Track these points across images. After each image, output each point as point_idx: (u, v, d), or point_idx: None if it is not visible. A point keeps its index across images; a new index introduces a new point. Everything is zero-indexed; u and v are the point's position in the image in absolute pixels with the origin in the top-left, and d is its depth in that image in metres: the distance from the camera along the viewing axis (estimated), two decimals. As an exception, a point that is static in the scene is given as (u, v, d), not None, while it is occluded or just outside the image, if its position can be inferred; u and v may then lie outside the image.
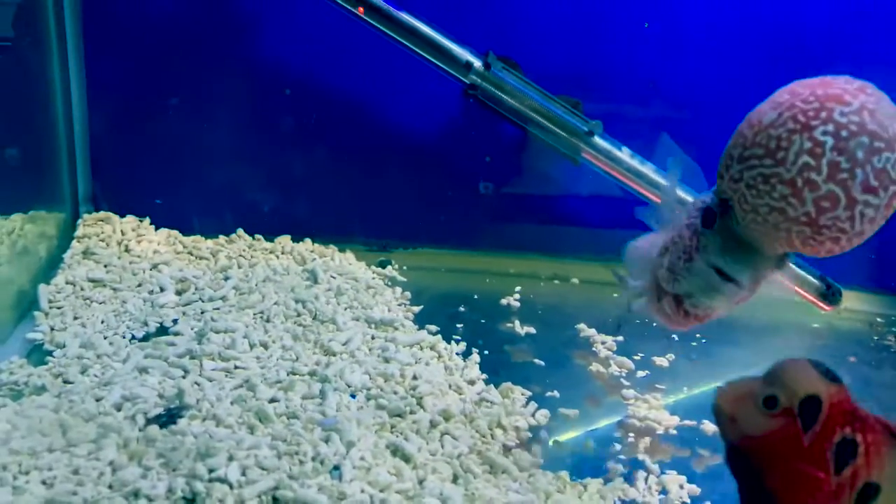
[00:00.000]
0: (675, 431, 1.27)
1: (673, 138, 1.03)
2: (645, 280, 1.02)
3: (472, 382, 1.33)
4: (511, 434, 1.20)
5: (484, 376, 1.35)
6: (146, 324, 1.39)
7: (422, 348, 1.40)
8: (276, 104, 1.76)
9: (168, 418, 1.08)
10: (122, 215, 1.75)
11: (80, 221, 1.72)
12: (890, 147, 0.76)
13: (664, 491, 1.12)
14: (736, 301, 0.92)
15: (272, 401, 1.15)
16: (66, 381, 1.20)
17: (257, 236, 1.78)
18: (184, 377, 1.20)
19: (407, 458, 1.06)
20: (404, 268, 1.77)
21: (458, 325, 1.53)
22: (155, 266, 1.60)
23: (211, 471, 0.96)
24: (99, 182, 1.78)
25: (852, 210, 0.77)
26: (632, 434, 1.26)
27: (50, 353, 1.29)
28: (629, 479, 1.14)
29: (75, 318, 1.40)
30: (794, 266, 1.62)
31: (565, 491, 1.08)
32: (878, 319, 1.77)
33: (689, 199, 1.01)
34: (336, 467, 1.00)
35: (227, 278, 1.56)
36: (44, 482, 0.94)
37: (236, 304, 1.46)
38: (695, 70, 1.72)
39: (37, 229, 1.57)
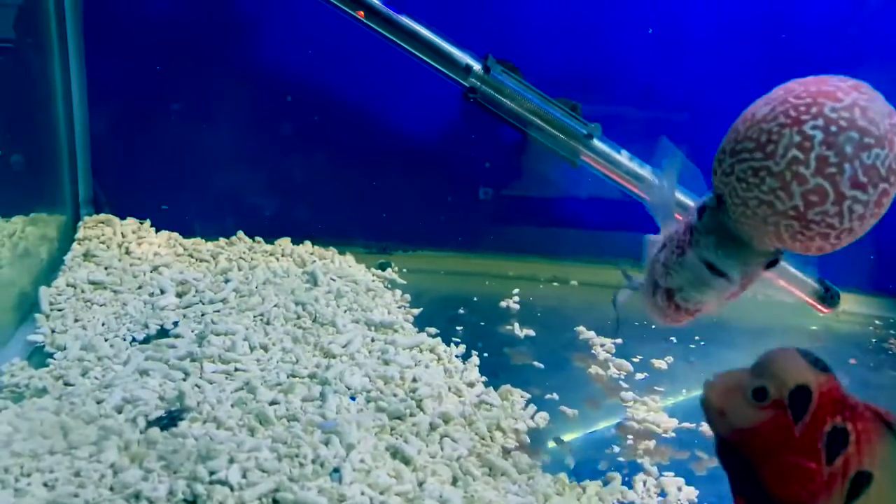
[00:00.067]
0: (673, 434, 1.28)
1: (672, 141, 1.04)
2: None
3: (471, 385, 1.33)
4: (510, 436, 1.20)
5: (483, 379, 1.36)
6: (147, 326, 1.40)
7: (421, 351, 1.41)
8: (277, 106, 1.76)
9: (169, 421, 1.08)
10: (123, 217, 1.76)
11: (80, 224, 1.72)
12: (880, 144, 0.76)
13: (663, 493, 1.13)
14: (726, 297, 0.92)
15: (272, 403, 1.16)
16: (66, 384, 1.21)
17: (257, 238, 1.78)
18: (184, 379, 1.21)
19: (407, 461, 1.07)
20: (404, 270, 1.78)
21: (458, 328, 1.54)
22: (155, 268, 1.60)
23: (212, 473, 0.96)
24: (100, 184, 1.78)
25: (841, 205, 0.77)
26: (630, 436, 1.27)
27: (51, 356, 1.29)
28: (628, 481, 1.14)
29: (76, 321, 1.40)
30: (792, 268, 1.62)
31: (564, 493, 1.09)
32: (877, 322, 1.77)
33: (687, 199, 1.02)
34: (336, 470, 1.01)
35: (227, 281, 1.56)
36: (45, 484, 0.94)
37: (236, 307, 1.46)
38: (694, 73, 1.72)
39: (38, 231, 1.57)
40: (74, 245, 1.65)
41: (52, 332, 1.36)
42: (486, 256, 1.85)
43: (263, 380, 1.22)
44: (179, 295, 1.51)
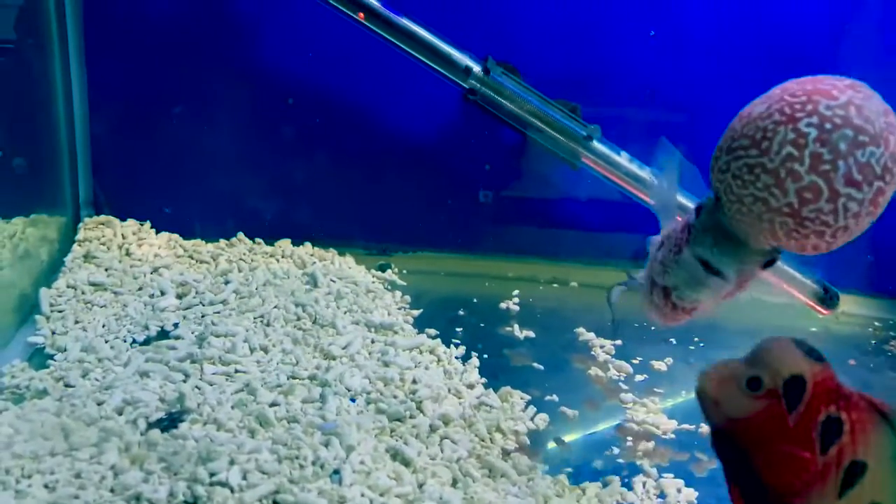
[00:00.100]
0: (673, 435, 1.28)
1: (672, 142, 1.04)
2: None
3: (471, 386, 1.33)
4: (510, 438, 1.21)
5: (483, 380, 1.36)
6: (147, 327, 1.40)
7: (421, 352, 1.41)
8: (277, 108, 1.76)
9: (169, 422, 1.08)
10: (123, 219, 1.76)
11: (81, 225, 1.73)
12: (875, 142, 0.76)
13: (662, 495, 1.13)
14: (722, 296, 0.92)
15: (272, 405, 1.16)
16: (67, 385, 1.21)
17: (257, 240, 1.78)
18: (185, 381, 1.21)
19: (406, 463, 1.07)
20: (404, 271, 1.78)
21: (458, 329, 1.54)
22: (156, 270, 1.61)
23: (212, 475, 0.97)
24: (100, 185, 1.79)
25: (835, 203, 0.77)
26: (630, 438, 1.27)
27: (51, 357, 1.30)
28: (627, 482, 1.15)
29: (76, 322, 1.40)
30: (791, 270, 1.63)
31: (564, 495, 1.09)
32: (876, 323, 1.78)
33: (687, 201, 1.02)
34: (336, 471, 1.01)
35: (227, 282, 1.56)
36: (46, 486, 0.95)
37: (237, 308, 1.46)
38: (694, 74, 1.72)
39: (38, 233, 1.58)
40: (75, 246, 1.65)
41: (53, 333, 1.37)
42: (486, 258, 1.85)
43: (263, 381, 1.22)
44: (180, 296, 1.51)
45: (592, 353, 1.51)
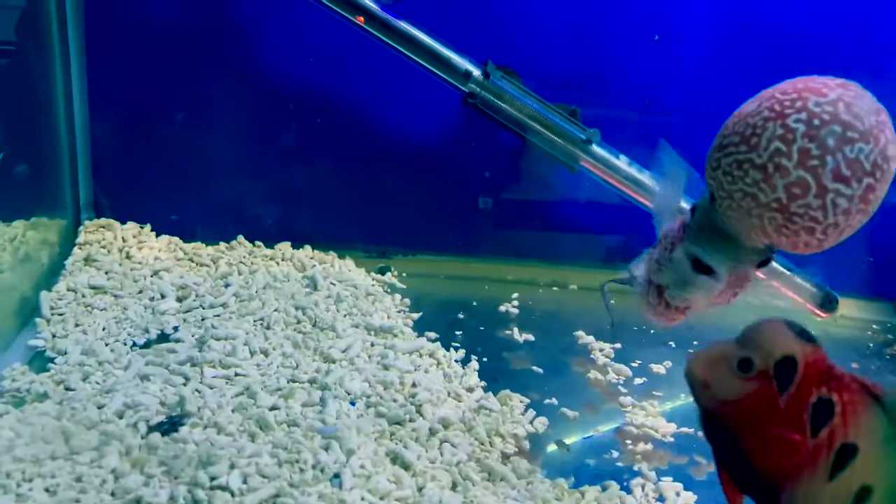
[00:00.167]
0: (671, 438, 1.28)
1: (672, 145, 1.05)
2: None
3: (470, 390, 1.34)
4: (510, 441, 1.21)
5: (483, 384, 1.36)
6: (147, 331, 1.40)
7: (421, 355, 1.41)
8: (277, 111, 1.77)
9: (170, 426, 1.09)
10: (124, 222, 1.76)
11: (81, 228, 1.73)
12: (864, 139, 0.77)
13: (661, 498, 1.13)
14: (717, 296, 0.92)
15: (273, 408, 1.17)
16: (67, 389, 1.21)
17: (257, 243, 1.79)
18: (185, 384, 1.21)
19: (406, 466, 1.07)
20: (403, 274, 1.78)
21: (457, 332, 1.54)
22: (156, 273, 1.61)
23: (212, 479, 0.97)
24: (100, 188, 1.79)
25: (823, 198, 0.78)
26: (629, 441, 1.27)
27: (52, 360, 1.30)
28: (626, 486, 1.15)
29: (77, 325, 1.41)
30: (789, 272, 1.63)
31: (563, 498, 1.09)
32: (875, 326, 1.78)
33: (687, 204, 1.02)
34: (336, 475, 1.01)
35: (227, 285, 1.56)
36: (47, 490, 0.95)
37: (237, 311, 1.47)
38: (694, 78, 1.73)
39: (39, 236, 1.58)
40: (75, 249, 1.65)
41: (53, 336, 1.37)
42: (486, 261, 1.85)
43: (264, 385, 1.23)
44: (180, 299, 1.52)
45: (592, 356, 1.52)
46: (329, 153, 1.80)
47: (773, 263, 1.59)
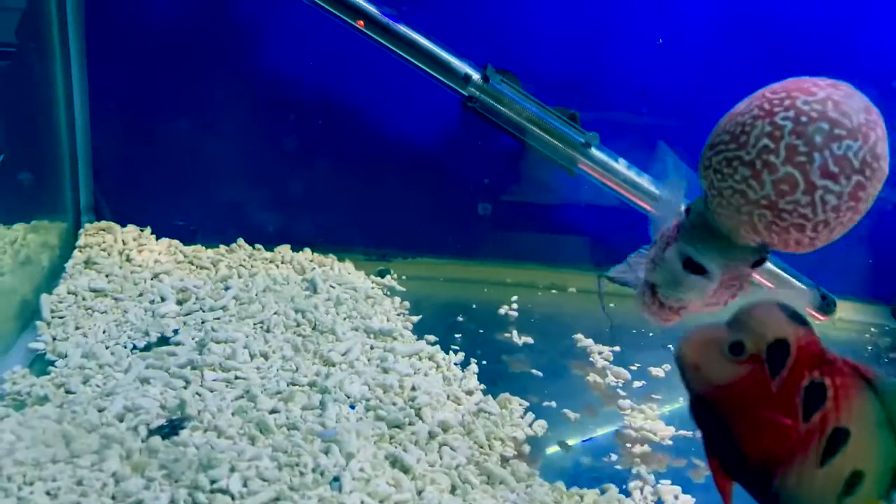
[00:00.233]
0: (670, 442, 1.29)
1: (671, 146, 1.05)
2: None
3: (470, 393, 1.34)
4: (509, 445, 1.21)
5: (482, 387, 1.37)
6: (147, 334, 1.40)
7: (420, 359, 1.42)
8: (277, 114, 1.77)
9: (170, 429, 1.09)
10: (124, 225, 1.77)
11: (81, 231, 1.73)
12: (852, 136, 0.77)
13: (659, 501, 1.14)
14: (714, 297, 0.92)
15: (273, 412, 1.17)
16: (68, 392, 1.21)
17: (257, 246, 1.79)
18: (185, 388, 1.22)
19: (406, 470, 1.08)
20: (403, 277, 1.79)
21: (457, 335, 1.55)
22: (156, 276, 1.61)
23: (213, 482, 0.98)
24: (101, 191, 1.79)
25: (812, 195, 0.78)
26: (628, 444, 1.28)
27: (52, 363, 1.30)
28: (625, 489, 1.15)
29: (77, 328, 1.41)
30: (787, 275, 1.64)
31: (562, 501, 1.10)
32: (873, 329, 1.79)
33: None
34: (336, 479, 1.02)
35: (227, 288, 1.57)
36: (48, 493, 0.95)
37: (237, 314, 1.47)
38: (694, 80, 1.73)
39: (39, 239, 1.58)
40: (75, 252, 1.66)
41: (54, 339, 1.37)
42: (485, 263, 1.85)
43: (263, 388, 1.23)
44: (180, 302, 1.52)
45: (591, 359, 1.52)
46: (329, 156, 1.80)
47: (770, 265, 1.62)
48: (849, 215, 0.80)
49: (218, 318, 1.46)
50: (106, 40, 1.72)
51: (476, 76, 1.59)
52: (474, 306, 1.70)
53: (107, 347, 1.35)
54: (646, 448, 1.26)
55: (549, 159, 1.64)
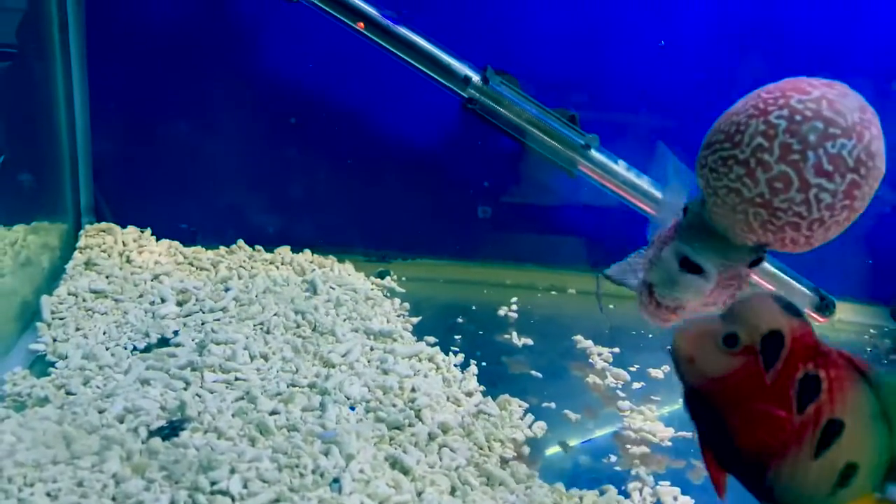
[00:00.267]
0: (669, 443, 1.29)
1: (672, 147, 1.05)
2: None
3: (469, 394, 1.34)
4: (508, 446, 1.22)
5: (482, 388, 1.37)
6: (147, 335, 1.41)
7: (420, 360, 1.42)
8: (278, 116, 1.77)
9: (170, 431, 1.09)
10: (124, 226, 1.77)
11: (82, 232, 1.73)
12: (847, 135, 0.78)
13: (658, 502, 1.14)
14: (712, 298, 0.92)
15: (273, 413, 1.17)
16: (68, 393, 1.21)
17: (257, 247, 1.79)
18: (185, 389, 1.22)
19: (405, 471, 1.08)
20: (403, 279, 1.79)
21: (457, 337, 1.55)
22: (156, 277, 1.61)
23: (213, 483, 0.98)
24: (101, 192, 1.80)
25: (806, 193, 0.78)
26: (627, 445, 1.28)
27: (52, 365, 1.30)
28: (624, 490, 1.16)
29: (77, 329, 1.41)
30: (786, 277, 1.64)
31: (561, 502, 1.10)
32: (872, 331, 1.79)
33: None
34: (336, 480, 1.02)
35: (227, 289, 1.57)
36: (48, 494, 0.96)
37: (237, 316, 1.47)
38: (694, 80, 1.73)
39: (39, 240, 1.58)
40: (76, 253, 1.66)
41: (54, 340, 1.37)
42: (485, 265, 1.86)
43: (263, 389, 1.23)
44: (180, 304, 1.52)
45: (590, 360, 1.52)
46: (329, 157, 1.81)
47: (770, 266, 1.62)
48: (844, 214, 0.81)
49: (218, 320, 1.46)
50: (106, 42, 1.72)
51: (476, 78, 1.59)
52: (474, 308, 1.70)
53: (107, 349, 1.35)
54: (645, 449, 1.26)
55: (548, 161, 1.64)
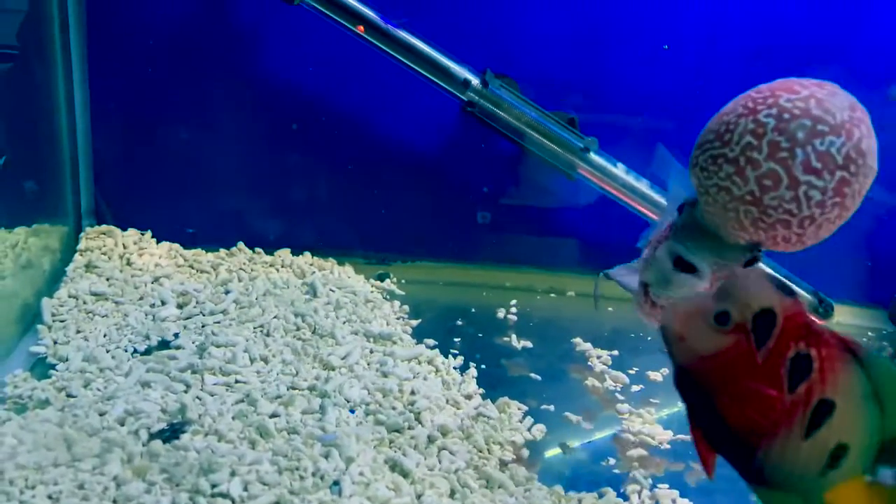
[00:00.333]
0: (668, 446, 1.29)
1: (671, 150, 1.06)
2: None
3: (469, 397, 1.35)
4: (508, 449, 1.22)
5: (481, 391, 1.37)
6: (148, 337, 1.41)
7: (420, 363, 1.42)
8: (278, 118, 1.78)
9: (171, 433, 1.10)
10: (124, 228, 1.77)
11: (82, 234, 1.74)
12: (835, 132, 0.78)
13: (657, 505, 1.15)
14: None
15: (273, 416, 1.17)
16: (69, 395, 1.22)
17: (257, 249, 1.80)
18: (186, 391, 1.22)
19: (405, 474, 1.08)
20: (402, 281, 1.79)
21: (456, 339, 1.55)
22: (156, 279, 1.62)
23: (213, 486, 0.98)
24: (102, 195, 1.80)
25: (796, 190, 0.79)
26: (626, 448, 1.28)
27: (53, 367, 1.31)
28: (623, 493, 1.16)
29: (78, 332, 1.42)
30: (784, 279, 1.64)
31: (560, 505, 1.10)
32: (870, 333, 1.79)
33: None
34: (336, 482, 1.02)
35: (227, 292, 1.57)
36: (49, 497, 0.96)
37: (237, 318, 1.48)
38: (693, 82, 1.74)
39: (40, 242, 1.59)
40: (76, 256, 1.66)
41: (55, 343, 1.38)
42: (484, 267, 1.86)
43: (264, 392, 1.24)
44: (180, 306, 1.53)
45: (589, 363, 1.53)
46: (328, 160, 1.81)
47: (766, 268, 1.62)
48: (835, 212, 0.81)
49: (218, 322, 1.46)
50: (107, 44, 1.73)
51: (475, 81, 1.60)
52: (473, 310, 1.70)
53: (107, 351, 1.35)
54: (644, 452, 1.27)
55: (548, 164, 1.65)
